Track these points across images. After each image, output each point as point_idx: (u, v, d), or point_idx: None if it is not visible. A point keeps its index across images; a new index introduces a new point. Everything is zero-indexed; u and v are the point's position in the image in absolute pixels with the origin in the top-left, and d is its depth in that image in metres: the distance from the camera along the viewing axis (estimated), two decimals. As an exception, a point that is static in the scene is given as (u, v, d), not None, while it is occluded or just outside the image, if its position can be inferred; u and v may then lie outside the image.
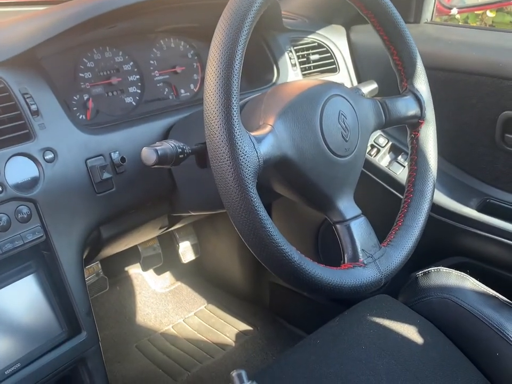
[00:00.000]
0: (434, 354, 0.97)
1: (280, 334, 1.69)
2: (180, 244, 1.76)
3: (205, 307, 1.81)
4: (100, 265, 1.51)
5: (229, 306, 1.80)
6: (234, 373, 0.72)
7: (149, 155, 0.76)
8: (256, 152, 0.71)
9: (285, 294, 1.70)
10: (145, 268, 1.69)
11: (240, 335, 1.69)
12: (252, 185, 0.69)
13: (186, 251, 1.78)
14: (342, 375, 0.90)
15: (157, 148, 0.76)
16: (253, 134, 0.73)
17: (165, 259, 1.73)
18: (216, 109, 0.68)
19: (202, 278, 1.92)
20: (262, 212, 0.70)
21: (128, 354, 1.62)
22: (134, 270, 1.80)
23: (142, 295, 1.81)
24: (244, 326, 1.72)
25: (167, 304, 1.82)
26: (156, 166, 0.77)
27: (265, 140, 0.75)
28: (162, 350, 1.64)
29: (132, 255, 1.64)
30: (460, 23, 2.27)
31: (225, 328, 1.72)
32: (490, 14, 2.31)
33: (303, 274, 0.74)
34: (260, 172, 0.72)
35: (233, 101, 0.69)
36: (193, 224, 1.78)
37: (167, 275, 1.90)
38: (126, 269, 1.78)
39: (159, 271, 1.84)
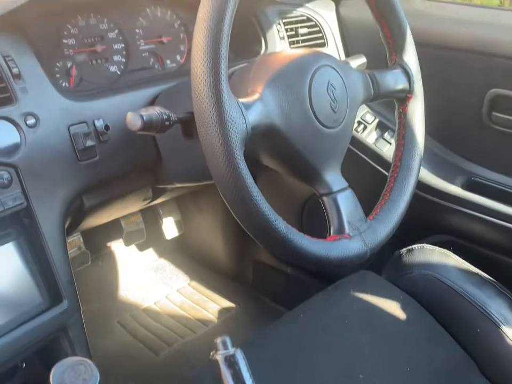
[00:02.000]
0: (416, 329, 0.98)
1: (262, 311, 1.69)
2: (163, 220, 1.75)
3: (187, 284, 1.81)
4: (81, 239, 1.49)
5: (212, 283, 1.80)
6: (218, 340, 0.72)
7: (134, 120, 0.74)
8: (244, 118, 0.70)
9: (268, 271, 1.70)
10: (127, 243, 1.67)
11: (223, 311, 1.68)
12: (239, 151, 0.69)
13: (169, 227, 1.77)
14: (325, 348, 0.90)
15: (142, 113, 0.74)
16: (241, 100, 0.72)
17: (148, 235, 1.72)
18: (204, 73, 0.67)
19: (185, 254, 1.92)
20: (249, 179, 0.69)
21: (110, 330, 1.61)
22: (117, 245, 1.79)
23: (125, 271, 1.80)
24: (227, 303, 1.72)
25: (150, 280, 1.81)
26: (140, 132, 0.75)
27: (254, 107, 0.74)
28: (144, 325, 1.63)
29: (114, 229, 1.63)
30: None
31: (207, 304, 1.71)
32: (478, -4, 2.31)
33: (288, 244, 0.74)
34: (247, 139, 0.71)
35: (222, 65, 0.67)
36: (177, 200, 1.76)
37: (150, 251, 1.88)
38: (108, 244, 1.76)
39: (141, 247, 1.82)
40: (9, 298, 0.83)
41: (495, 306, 0.97)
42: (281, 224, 0.73)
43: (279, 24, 1.26)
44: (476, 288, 1.01)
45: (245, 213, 0.71)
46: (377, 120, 1.34)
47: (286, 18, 1.28)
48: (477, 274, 1.04)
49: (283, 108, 0.78)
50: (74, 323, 0.90)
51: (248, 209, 0.70)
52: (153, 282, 1.81)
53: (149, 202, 1.26)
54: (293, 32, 1.29)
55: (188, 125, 0.82)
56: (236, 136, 0.68)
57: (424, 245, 1.09)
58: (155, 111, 0.76)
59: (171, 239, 1.80)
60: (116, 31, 1.10)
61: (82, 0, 1.03)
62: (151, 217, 1.75)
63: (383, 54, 1.00)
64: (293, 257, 0.76)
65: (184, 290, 1.78)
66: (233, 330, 1.60)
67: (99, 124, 0.92)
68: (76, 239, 1.46)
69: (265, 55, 0.87)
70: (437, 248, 1.08)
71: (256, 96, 0.76)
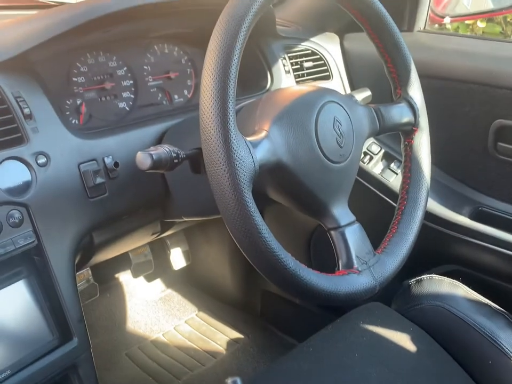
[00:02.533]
0: (427, 362, 0.97)
1: (271, 342, 1.68)
2: (171, 251, 1.75)
3: (195, 314, 1.80)
4: (90, 272, 1.49)
5: (220, 314, 1.79)
6: (229, 380, 0.71)
7: (143, 159, 0.75)
8: (252, 157, 0.71)
9: (277, 301, 1.70)
10: (136, 275, 1.68)
11: (231, 343, 1.67)
12: (247, 190, 0.69)
13: (177, 258, 1.77)
14: (335, 383, 0.90)
15: (152, 152, 0.75)
16: (248, 139, 0.73)
17: (156, 266, 1.72)
18: (213, 114, 0.68)
19: (193, 285, 1.91)
20: (258, 217, 0.70)
21: (118, 362, 1.60)
22: (125, 277, 1.79)
23: (133, 302, 1.80)
24: (235, 334, 1.71)
25: (158, 311, 1.81)
26: (150, 171, 0.76)
27: (261, 144, 0.74)
28: (153, 358, 1.62)
29: (122, 261, 1.63)
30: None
31: (216, 336, 1.70)
32: (480, 24, 2.33)
33: (298, 281, 0.74)
34: (255, 177, 0.72)
35: (230, 105, 0.69)
36: (185, 231, 1.77)
37: (158, 282, 1.88)
38: (117, 275, 1.77)
39: (149, 278, 1.82)
40: (20, 336, 0.83)
41: (506, 337, 0.96)
42: (290, 261, 0.73)
43: (284, 58, 1.27)
44: (486, 319, 1.00)
45: (254, 250, 0.71)
46: (383, 150, 1.35)
47: (291, 52, 1.30)
48: (486, 305, 1.03)
49: (290, 144, 0.79)
50: (84, 361, 0.89)
51: (257, 247, 0.71)
52: (161, 313, 1.81)
53: (157, 236, 1.27)
54: (298, 66, 1.30)
55: (196, 160, 0.83)
56: (244, 175, 0.69)
57: (433, 275, 1.09)
58: (164, 150, 0.77)
59: (179, 269, 1.79)
60: (125, 68, 1.12)
61: (91, 40, 1.04)
62: (159, 248, 1.75)
63: (388, 86, 1.01)
64: (303, 294, 0.76)
65: (192, 321, 1.78)
66: (243, 362, 1.59)
67: (109, 161, 0.92)
68: (84, 272, 1.47)
69: (271, 92, 0.88)
70: (446, 278, 1.08)
71: (263, 134, 0.77)
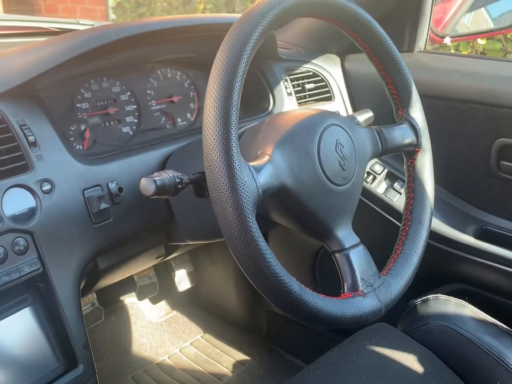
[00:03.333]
0: (435, 383, 0.96)
1: (277, 364, 1.67)
2: (176, 272, 1.74)
3: (201, 336, 1.79)
4: (95, 295, 1.49)
5: (225, 335, 1.78)
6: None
7: (147, 186, 0.76)
8: (255, 182, 0.71)
9: (282, 322, 1.69)
10: (141, 297, 1.67)
11: (237, 365, 1.66)
12: (251, 215, 0.69)
13: (182, 279, 1.76)
14: (343, 407, 0.89)
15: (156, 178, 0.76)
16: (251, 164, 0.74)
17: (160, 288, 1.71)
18: (216, 140, 0.69)
19: (198, 306, 1.91)
20: (262, 242, 0.70)
21: (124, 386, 1.60)
22: (130, 300, 1.78)
23: (138, 325, 1.79)
24: (241, 356, 1.70)
25: (163, 334, 1.80)
26: (154, 197, 0.77)
27: (264, 169, 0.75)
28: (158, 381, 1.61)
29: (127, 284, 1.63)
30: (451, 51, 2.30)
31: (222, 358, 1.69)
32: (481, 41, 2.34)
33: (303, 306, 0.74)
34: (259, 201, 0.72)
35: (232, 132, 0.69)
36: (189, 253, 1.77)
37: (163, 304, 1.88)
38: (121, 298, 1.76)
39: (154, 300, 1.82)
40: (25, 364, 0.83)
41: (513, 356, 0.96)
42: (295, 285, 0.73)
43: (286, 80, 1.28)
44: (493, 339, 0.99)
45: (258, 275, 0.71)
46: (386, 170, 1.36)
47: (292, 74, 1.31)
48: (493, 324, 1.03)
49: (293, 168, 0.79)
50: (90, 387, 0.89)
51: (261, 272, 0.71)
52: (167, 335, 1.80)
53: (162, 259, 1.27)
54: (300, 88, 1.31)
55: (200, 185, 0.83)
56: (248, 201, 0.69)
57: (439, 295, 1.08)
58: (167, 175, 0.77)
59: (184, 291, 1.79)
60: (128, 93, 1.13)
61: (95, 66, 1.05)
62: (163, 269, 1.75)
63: (389, 106, 1.02)
64: (308, 318, 0.76)
65: (198, 343, 1.77)
66: (249, 384, 1.58)
67: (113, 186, 0.93)
68: (89, 296, 1.46)
69: (273, 116, 0.89)
70: (451, 298, 1.07)
71: (266, 158, 0.77)
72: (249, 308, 1.77)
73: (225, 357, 1.69)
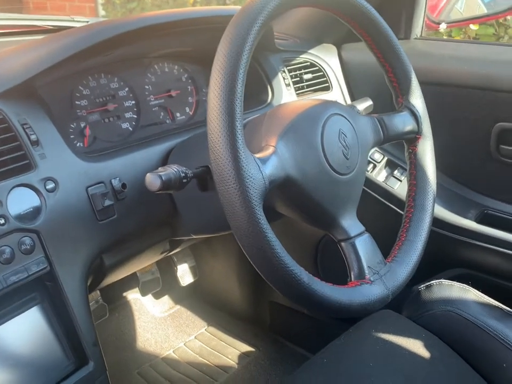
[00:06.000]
0: (442, 368, 0.96)
1: (282, 354, 1.67)
2: (178, 267, 1.75)
3: (205, 330, 1.80)
4: (98, 293, 1.49)
5: (230, 327, 1.79)
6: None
7: (153, 181, 0.76)
8: (262, 174, 0.72)
9: (285, 313, 1.69)
10: (144, 293, 1.68)
11: (243, 356, 1.67)
12: (259, 207, 0.70)
13: (184, 274, 1.77)
14: (352, 395, 0.90)
15: (161, 173, 0.76)
16: (257, 156, 0.74)
17: (163, 283, 1.72)
18: (221, 133, 0.69)
19: (201, 300, 1.91)
20: (270, 233, 0.71)
21: (130, 381, 1.60)
22: (133, 295, 1.78)
23: (142, 320, 1.79)
24: (246, 347, 1.70)
25: (167, 328, 1.80)
26: (159, 192, 0.77)
27: (269, 161, 0.75)
28: (164, 375, 1.62)
29: (130, 280, 1.63)
30: (444, 37, 2.30)
31: (227, 350, 1.70)
32: (473, 27, 2.34)
33: (312, 295, 0.74)
34: (266, 193, 0.72)
35: (238, 124, 0.69)
36: (191, 247, 1.77)
37: (166, 299, 1.88)
38: (125, 294, 1.76)
39: (157, 295, 1.82)
40: (36, 363, 0.83)
41: (518, 338, 0.96)
42: (304, 276, 0.73)
43: (284, 71, 1.28)
44: (498, 322, 1.00)
45: (268, 266, 0.72)
46: (386, 158, 1.36)
47: (290, 65, 1.31)
48: (497, 307, 1.03)
49: (297, 159, 0.79)
50: (101, 384, 0.90)
51: (271, 263, 0.71)
52: (171, 330, 1.80)
53: (166, 254, 1.27)
54: (298, 78, 1.31)
55: (203, 179, 0.84)
56: (255, 192, 0.69)
57: (442, 280, 1.09)
58: (172, 170, 0.77)
59: (186, 285, 1.79)
60: (126, 88, 1.13)
61: (92, 62, 1.05)
62: (165, 265, 1.75)
63: (388, 94, 1.02)
64: (317, 307, 0.76)
65: (202, 336, 1.77)
66: (255, 375, 1.58)
67: (116, 183, 0.93)
68: (93, 293, 1.46)
69: (275, 108, 0.89)
70: (455, 283, 1.08)
71: (270, 150, 0.78)
72: (252, 299, 1.78)
73: (230, 349, 1.70)
